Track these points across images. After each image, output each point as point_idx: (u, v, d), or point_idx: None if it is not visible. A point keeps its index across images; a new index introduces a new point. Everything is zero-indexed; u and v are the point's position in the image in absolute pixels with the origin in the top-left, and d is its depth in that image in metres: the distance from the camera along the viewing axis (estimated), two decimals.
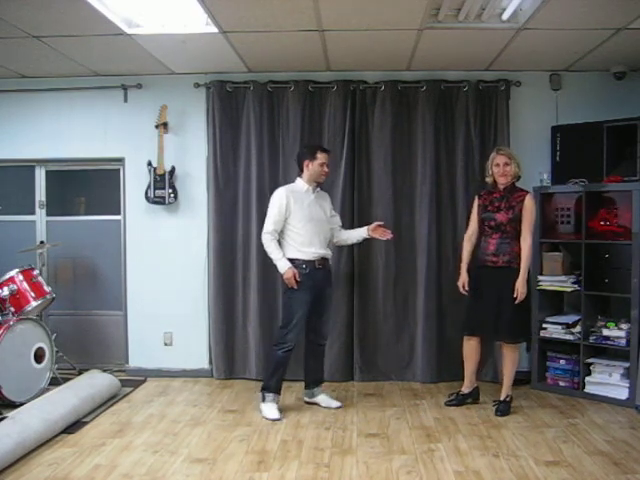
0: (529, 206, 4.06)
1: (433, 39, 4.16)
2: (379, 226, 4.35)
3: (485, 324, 4.14)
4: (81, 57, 4.60)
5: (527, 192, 4.15)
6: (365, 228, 4.37)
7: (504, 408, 4.12)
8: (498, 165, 4.13)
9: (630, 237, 4.27)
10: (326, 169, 4.21)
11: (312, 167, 4.17)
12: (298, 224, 4.11)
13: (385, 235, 4.33)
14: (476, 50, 4.44)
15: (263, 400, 4.16)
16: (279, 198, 4.13)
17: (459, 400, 4.30)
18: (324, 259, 4.22)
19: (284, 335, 4.11)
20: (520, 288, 4.00)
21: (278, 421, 4.01)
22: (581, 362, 4.49)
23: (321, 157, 4.17)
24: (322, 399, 4.34)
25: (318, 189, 4.29)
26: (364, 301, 4.95)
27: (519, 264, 4.04)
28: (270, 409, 4.11)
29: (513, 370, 4.19)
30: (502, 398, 4.17)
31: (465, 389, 4.33)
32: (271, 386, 4.16)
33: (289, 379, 4.55)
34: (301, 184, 4.22)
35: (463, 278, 4.28)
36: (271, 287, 4.92)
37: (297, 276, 4.04)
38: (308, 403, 4.37)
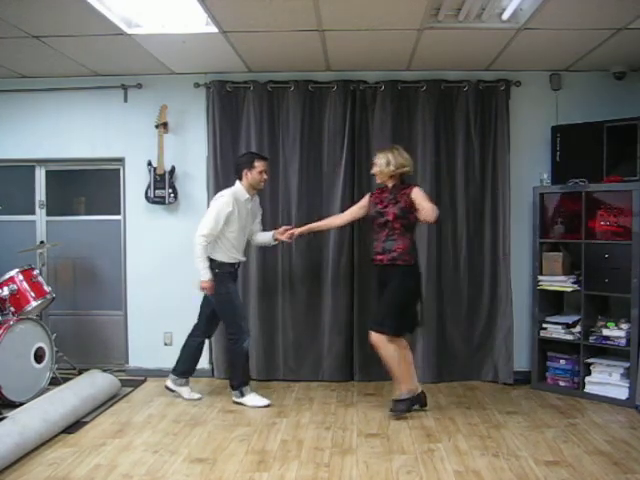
0: (417, 190, 4.00)
1: (433, 39, 4.17)
2: (286, 230, 4.43)
3: None
4: (81, 57, 4.60)
5: (414, 185, 4.10)
6: (271, 233, 4.47)
7: (394, 407, 4.02)
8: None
9: (630, 237, 4.27)
10: (265, 176, 4.30)
11: (251, 176, 4.24)
12: (233, 232, 4.22)
13: (289, 238, 4.42)
14: (476, 50, 4.44)
15: (242, 395, 4.28)
16: (226, 205, 4.17)
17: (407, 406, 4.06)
18: (239, 262, 4.40)
19: (240, 328, 4.24)
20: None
21: (268, 406, 4.21)
22: (581, 362, 4.49)
23: (259, 165, 4.25)
24: (184, 390, 4.48)
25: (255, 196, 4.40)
26: (364, 301, 4.94)
27: (404, 260, 3.98)
28: (255, 398, 4.27)
29: (389, 364, 4.00)
30: (394, 397, 4.07)
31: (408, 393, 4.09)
32: (245, 380, 4.31)
33: (289, 379, 4.55)
34: (242, 192, 4.27)
35: (297, 229, 4.42)
36: (270, 287, 4.93)
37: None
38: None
